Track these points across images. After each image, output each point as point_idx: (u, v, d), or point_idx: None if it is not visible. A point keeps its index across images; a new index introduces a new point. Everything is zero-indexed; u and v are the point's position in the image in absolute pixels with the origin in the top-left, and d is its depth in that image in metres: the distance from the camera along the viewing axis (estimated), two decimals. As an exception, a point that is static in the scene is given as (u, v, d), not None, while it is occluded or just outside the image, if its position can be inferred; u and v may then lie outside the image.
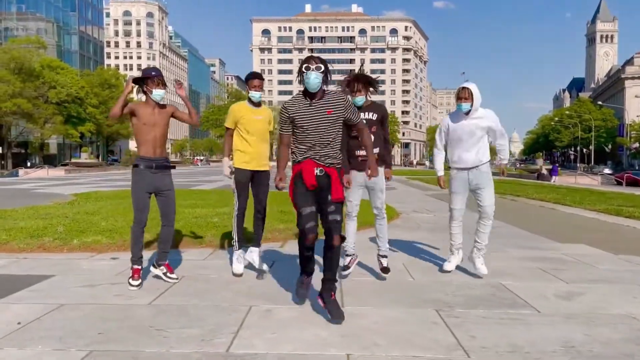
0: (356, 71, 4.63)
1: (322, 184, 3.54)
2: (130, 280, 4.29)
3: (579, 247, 6.53)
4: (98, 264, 5.26)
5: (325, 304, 3.50)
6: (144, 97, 4.39)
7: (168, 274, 4.50)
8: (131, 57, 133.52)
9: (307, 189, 3.52)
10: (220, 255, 5.76)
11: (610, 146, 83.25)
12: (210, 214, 8.71)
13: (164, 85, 4.34)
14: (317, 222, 3.56)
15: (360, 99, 4.51)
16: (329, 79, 3.58)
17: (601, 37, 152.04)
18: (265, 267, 4.86)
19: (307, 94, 3.57)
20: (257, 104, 4.80)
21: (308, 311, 3.68)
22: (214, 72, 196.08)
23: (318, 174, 3.53)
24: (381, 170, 4.65)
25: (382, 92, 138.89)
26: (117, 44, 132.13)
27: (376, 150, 4.56)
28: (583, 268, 5.29)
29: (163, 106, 4.37)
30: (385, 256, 4.71)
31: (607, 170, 57.77)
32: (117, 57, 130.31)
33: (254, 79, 4.74)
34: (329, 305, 3.47)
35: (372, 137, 4.51)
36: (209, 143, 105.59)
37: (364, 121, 4.40)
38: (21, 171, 39.47)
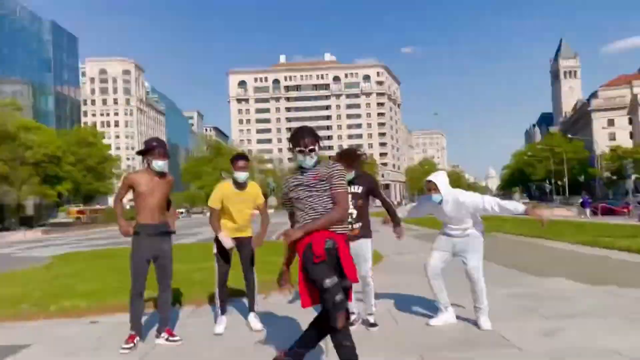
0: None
1: (330, 258, 3.10)
2: (123, 343, 4.22)
3: (559, 281, 6.62)
4: (77, 330, 5.12)
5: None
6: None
7: (170, 338, 4.45)
8: (108, 114, 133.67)
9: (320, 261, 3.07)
10: (201, 313, 5.66)
11: (583, 177, 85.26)
12: (191, 269, 8.59)
13: (165, 156, 4.39)
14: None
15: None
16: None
17: (564, 73, 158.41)
18: (260, 326, 4.75)
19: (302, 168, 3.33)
20: (243, 185, 4.69)
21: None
22: (192, 124, 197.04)
23: (329, 247, 3.10)
24: (367, 240, 4.63)
25: (360, 136, 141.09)
26: (93, 102, 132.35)
27: (357, 225, 4.55)
28: (564, 303, 5.35)
29: (163, 175, 4.43)
30: (372, 314, 4.70)
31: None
32: (94, 115, 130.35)
33: (238, 160, 4.64)
34: None
35: (355, 213, 4.54)
36: (190, 196, 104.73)
37: (350, 195, 4.27)
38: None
